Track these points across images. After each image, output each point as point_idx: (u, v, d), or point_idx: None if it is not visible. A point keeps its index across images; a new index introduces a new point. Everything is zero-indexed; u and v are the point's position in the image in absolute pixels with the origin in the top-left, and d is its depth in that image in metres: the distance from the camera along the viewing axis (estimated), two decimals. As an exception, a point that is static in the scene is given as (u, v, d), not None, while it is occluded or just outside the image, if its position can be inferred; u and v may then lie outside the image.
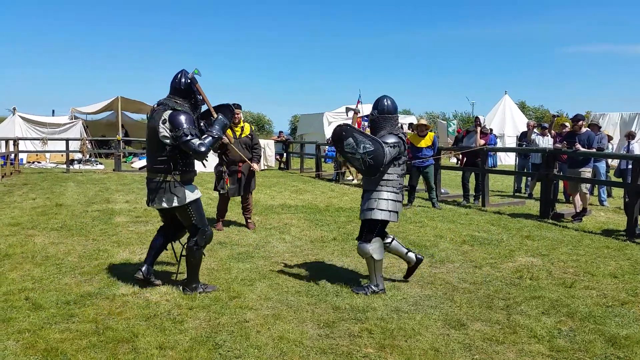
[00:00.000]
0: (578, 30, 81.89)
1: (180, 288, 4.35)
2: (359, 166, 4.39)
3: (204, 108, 4.49)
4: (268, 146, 18.54)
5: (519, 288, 4.63)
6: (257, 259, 5.56)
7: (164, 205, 4.21)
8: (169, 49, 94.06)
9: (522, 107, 40.80)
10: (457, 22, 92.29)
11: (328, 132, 20.47)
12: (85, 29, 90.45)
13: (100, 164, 19.28)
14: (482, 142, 10.02)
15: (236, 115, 6.81)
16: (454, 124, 22.75)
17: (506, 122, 23.36)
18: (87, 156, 18.95)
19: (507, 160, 20.96)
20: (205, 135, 4.19)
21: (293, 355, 3.20)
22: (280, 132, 21.53)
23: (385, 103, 4.52)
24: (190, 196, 4.24)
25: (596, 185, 10.30)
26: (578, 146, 8.13)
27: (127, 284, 4.49)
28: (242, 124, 7.11)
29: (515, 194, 12.09)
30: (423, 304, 4.18)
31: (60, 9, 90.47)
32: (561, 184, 10.57)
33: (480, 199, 9.84)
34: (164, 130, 4.08)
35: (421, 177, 9.50)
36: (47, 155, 19.62)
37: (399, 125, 4.66)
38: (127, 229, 6.95)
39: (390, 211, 4.38)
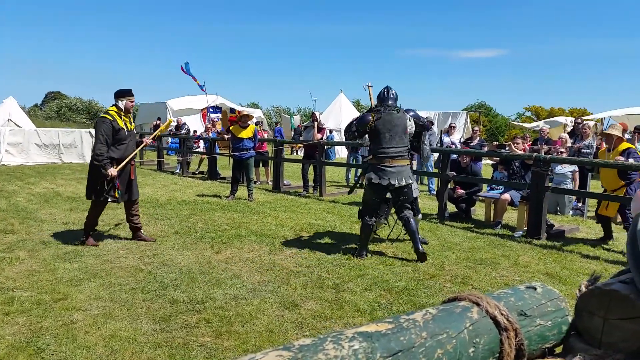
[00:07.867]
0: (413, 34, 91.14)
1: None
2: None
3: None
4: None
5: (347, 268, 5.07)
6: (86, 257, 5.20)
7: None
8: None
9: (357, 105, 43.86)
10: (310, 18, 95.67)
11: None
12: None
13: None
14: (319, 136, 10.60)
15: (131, 102, 5.80)
16: (294, 120, 23.68)
17: (342, 118, 24.92)
18: None
19: (343, 153, 22.43)
20: None
21: (125, 352, 3.11)
22: None
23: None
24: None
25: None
26: None
27: None
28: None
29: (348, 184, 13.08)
30: (261, 289, 4.35)
31: None
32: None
33: (318, 190, 10.44)
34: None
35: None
36: None
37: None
38: None
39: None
